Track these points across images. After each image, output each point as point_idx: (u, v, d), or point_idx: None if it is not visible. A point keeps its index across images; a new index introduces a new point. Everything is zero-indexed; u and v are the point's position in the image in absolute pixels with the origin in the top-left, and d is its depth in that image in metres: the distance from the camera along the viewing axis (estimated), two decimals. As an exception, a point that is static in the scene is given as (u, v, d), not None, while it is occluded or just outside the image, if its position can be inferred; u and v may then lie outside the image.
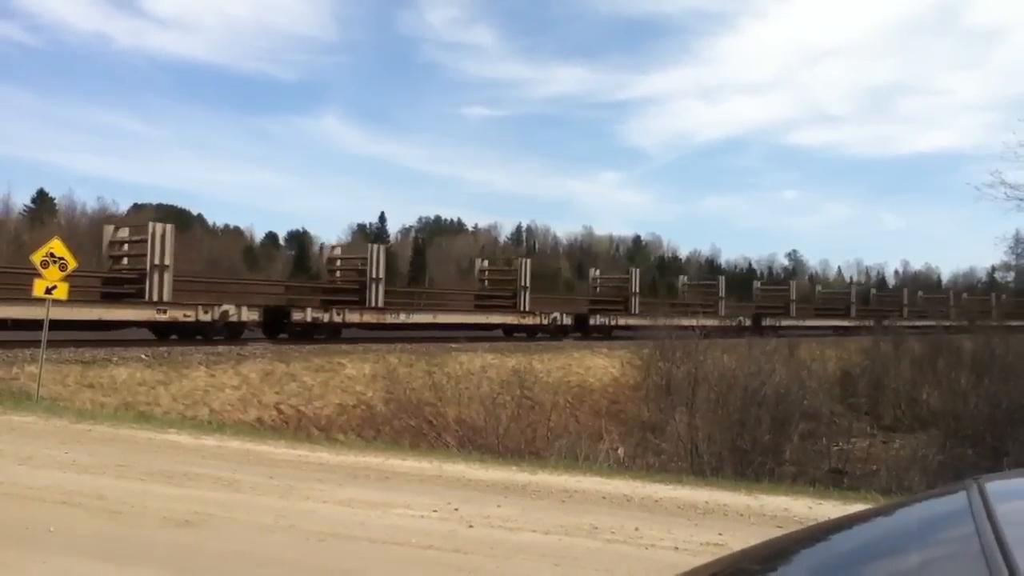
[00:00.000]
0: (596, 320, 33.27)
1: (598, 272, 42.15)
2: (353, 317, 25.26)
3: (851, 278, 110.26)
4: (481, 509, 7.12)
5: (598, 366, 26.85)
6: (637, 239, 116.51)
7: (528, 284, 31.05)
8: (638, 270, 39.08)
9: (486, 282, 33.47)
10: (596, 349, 28.35)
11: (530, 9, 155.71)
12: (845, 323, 43.91)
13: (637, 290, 36.07)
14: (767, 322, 39.12)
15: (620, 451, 17.87)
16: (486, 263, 36.43)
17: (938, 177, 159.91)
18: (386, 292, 26.74)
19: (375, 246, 28.18)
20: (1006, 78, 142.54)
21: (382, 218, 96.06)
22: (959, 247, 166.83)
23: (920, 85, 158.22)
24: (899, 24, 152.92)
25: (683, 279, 46.67)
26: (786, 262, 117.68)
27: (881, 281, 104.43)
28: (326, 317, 24.22)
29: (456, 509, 7.06)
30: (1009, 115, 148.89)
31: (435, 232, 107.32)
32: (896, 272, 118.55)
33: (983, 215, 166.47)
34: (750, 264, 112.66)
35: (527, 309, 30.73)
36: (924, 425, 25.59)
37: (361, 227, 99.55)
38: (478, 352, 24.32)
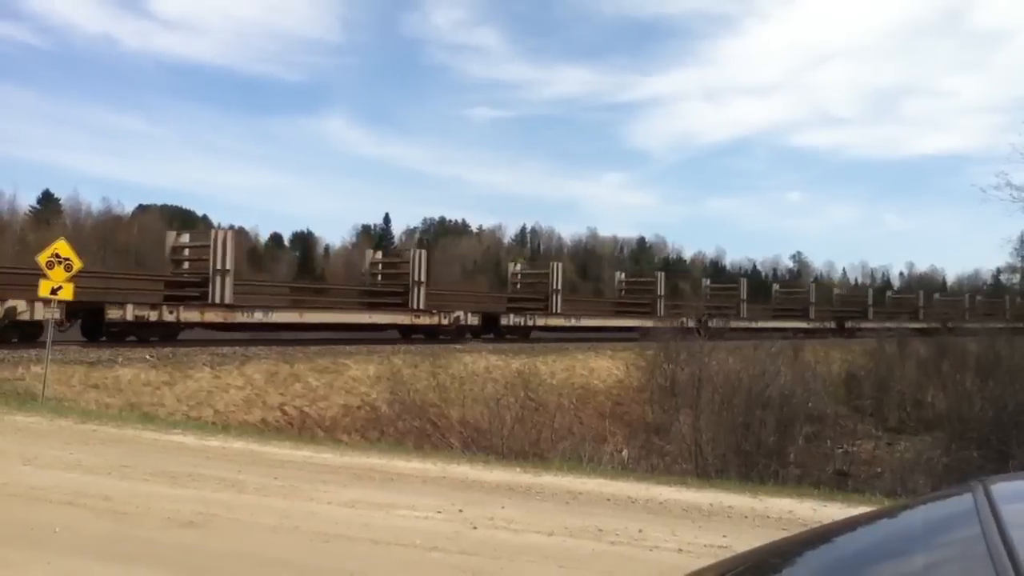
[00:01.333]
0: (510, 320, 29.22)
1: (518, 266, 38.17)
2: (192, 316, 21.52)
3: (856, 280, 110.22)
4: (485, 510, 7.12)
5: (602, 368, 26.83)
6: (642, 241, 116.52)
7: (423, 279, 27.08)
8: (559, 264, 36.20)
9: (379, 276, 29.05)
10: (600, 351, 28.31)
11: (535, 11, 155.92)
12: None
13: (559, 287, 32.52)
14: (712, 324, 38.78)
15: (624, 453, 17.87)
16: (379, 255, 31.63)
17: (943, 179, 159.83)
18: (236, 286, 22.93)
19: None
20: (1011, 80, 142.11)
21: (386, 219, 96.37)
22: (964, 249, 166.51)
23: (924, 87, 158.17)
24: (903, 26, 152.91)
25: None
26: (791, 264, 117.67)
27: (886, 283, 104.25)
28: (154, 315, 20.59)
29: (460, 510, 7.06)
30: (1014, 117, 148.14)
31: (439, 233, 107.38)
32: (901, 274, 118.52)
33: (988, 217, 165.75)
34: (755, 266, 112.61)
35: (421, 307, 26.62)
36: (929, 427, 25.53)
37: (366, 228, 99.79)
38: (482, 353, 24.32)
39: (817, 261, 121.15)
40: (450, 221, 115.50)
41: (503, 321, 29.06)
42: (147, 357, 18.01)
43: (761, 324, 38.16)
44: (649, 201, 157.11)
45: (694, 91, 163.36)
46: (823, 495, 9.33)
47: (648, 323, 31.16)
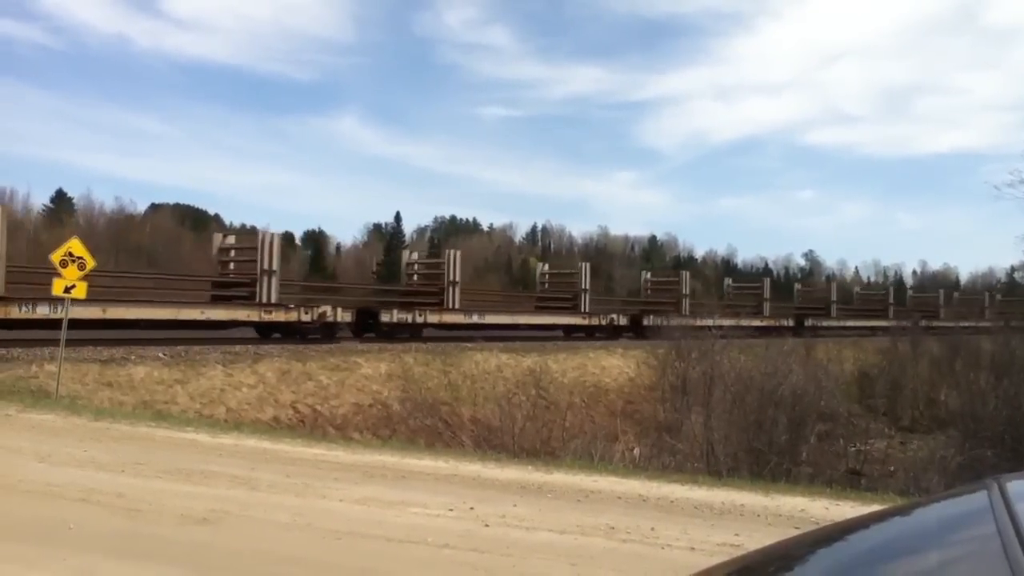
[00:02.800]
0: (393, 316, 25.57)
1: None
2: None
3: (868, 278, 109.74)
4: (497, 508, 7.12)
5: (613, 366, 26.80)
6: (653, 239, 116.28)
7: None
8: (457, 252, 30.03)
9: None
10: (611, 349, 28.29)
11: (546, 10, 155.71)
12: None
13: (456, 278, 29.58)
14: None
15: (636, 451, 17.86)
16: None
17: (956, 177, 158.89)
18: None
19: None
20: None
21: (398, 218, 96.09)
22: (977, 247, 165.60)
23: (937, 85, 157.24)
24: (916, 24, 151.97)
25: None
26: (803, 262, 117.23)
27: (899, 281, 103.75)
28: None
29: (472, 508, 7.07)
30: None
31: (450, 232, 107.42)
32: (914, 272, 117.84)
33: (1002, 215, 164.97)
34: (766, 264, 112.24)
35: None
36: (942, 426, 25.41)
37: (377, 227, 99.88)
38: (493, 351, 24.32)
39: (829, 259, 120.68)
40: (461, 220, 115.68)
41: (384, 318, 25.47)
42: (160, 355, 18.09)
43: (788, 323, 38.50)
44: (661, 199, 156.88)
45: (706, 90, 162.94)
46: (835, 494, 9.30)
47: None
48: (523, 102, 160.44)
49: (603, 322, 31.73)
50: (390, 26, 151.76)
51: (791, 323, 39.15)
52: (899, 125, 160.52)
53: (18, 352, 16.69)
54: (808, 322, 39.87)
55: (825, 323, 41.57)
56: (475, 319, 27.59)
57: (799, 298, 46.85)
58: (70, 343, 15.54)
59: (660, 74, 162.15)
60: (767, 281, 44.05)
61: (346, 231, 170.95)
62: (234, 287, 23.33)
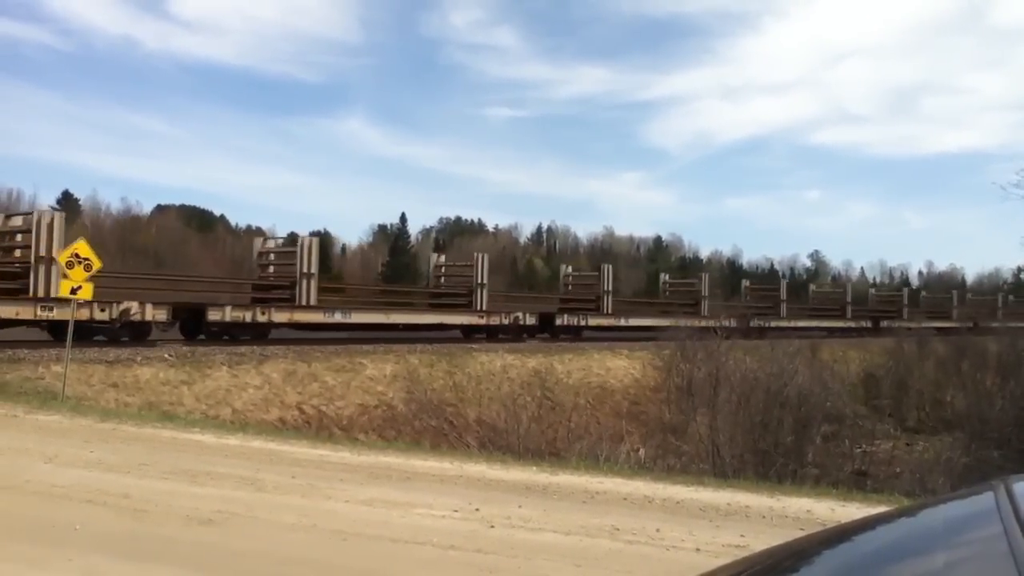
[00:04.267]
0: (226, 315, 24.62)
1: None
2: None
3: (875, 279, 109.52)
4: (502, 509, 7.12)
5: (619, 367, 26.79)
6: (658, 239, 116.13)
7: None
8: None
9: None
10: (617, 350, 28.28)
11: (552, 10, 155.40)
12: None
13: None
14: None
15: (641, 452, 17.84)
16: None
17: (963, 177, 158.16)
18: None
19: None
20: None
21: (403, 219, 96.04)
22: (984, 247, 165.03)
23: (944, 84, 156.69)
24: (923, 23, 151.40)
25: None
26: (808, 263, 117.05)
27: (905, 282, 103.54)
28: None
29: (477, 509, 7.07)
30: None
31: (455, 233, 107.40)
32: (920, 273, 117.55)
33: (1009, 215, 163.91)
34: (772, 265, 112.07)
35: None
36: (949, 427, 25.35)
37: (382, 227, 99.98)
38: (499, 352, 24.33)
39: (835, 260, 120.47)
40: (466, 220, 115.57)
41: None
42: (166, 356, 18.13)
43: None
44: (666, 200, 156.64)
45: (712, 89, 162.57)
46: (841, 495, 9.28)
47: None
48: (529, 103, 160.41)
49: (505, 321, 28.14)
50: (396, 27, 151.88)
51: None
52: (906, 125, 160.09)
53: (24, 353, 16.74)
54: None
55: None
56: (337, 318, 24.31)
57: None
58: (75, 344, 15.59)
59: (666, 74, 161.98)
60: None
61: (352, 232, 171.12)
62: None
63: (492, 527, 6.55)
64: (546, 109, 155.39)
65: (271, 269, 25.27)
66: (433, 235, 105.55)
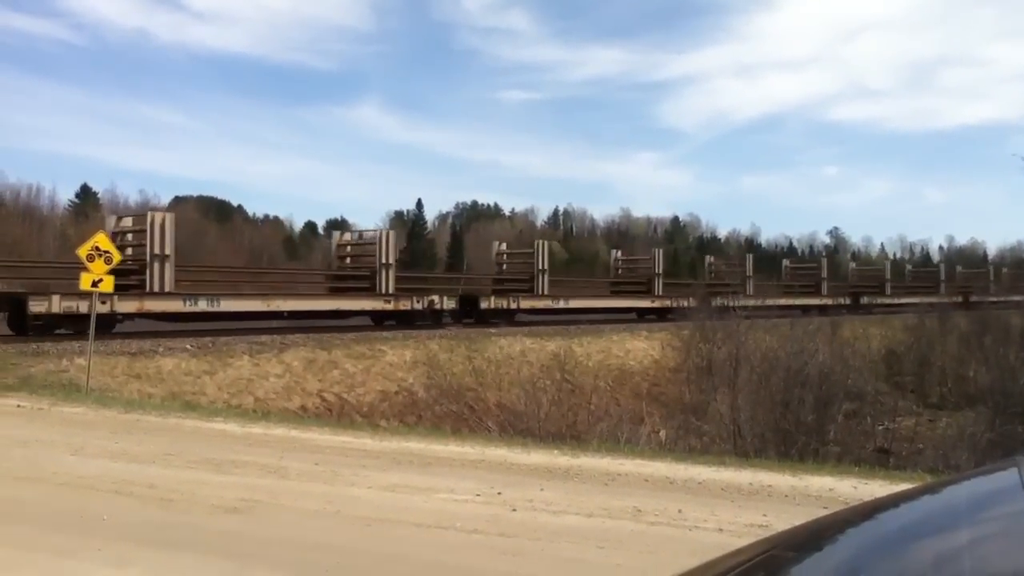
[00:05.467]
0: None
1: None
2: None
3: (894, 254, 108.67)
4: (524, 493, 7.14)
5: (638, 349, 26.77)
6: (675, 220, 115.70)
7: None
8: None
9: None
10: (636, 331, 28.23)
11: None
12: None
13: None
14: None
15: (662, 434, 17.84)
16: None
17: (983, 149, 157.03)
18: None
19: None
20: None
21: (419, 204, 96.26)
22: (1005, 221, 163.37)
23: (963, 56, 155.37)
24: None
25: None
26: (827, 240, 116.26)
27: (925, 257, 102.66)
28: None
29: (499, 493, 7.10)
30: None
31: (472, 218, 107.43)
32: (941, 247, 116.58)
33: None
34: (791, 242, 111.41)
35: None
36: (972, 403, 25.16)
37: (398, 214, 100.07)
38: (517, 336, 24.36)
39: (854, 236, 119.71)
40: (482, 205, 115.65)
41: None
42: (187, 347, 18.27)
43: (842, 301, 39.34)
44: (683, 180, 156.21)
45: (727, 67, 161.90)
46: (864, 472, 9.24)
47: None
48: (543, 85, 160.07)
49: (419, 305, 25.71)
50: (409, 13, 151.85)
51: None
52: (924, 98, 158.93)
53: (48, 347, 16.92)
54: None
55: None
56: (202, 306, 21.33)
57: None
58: (98, 336, 15.73)
59: (680, 53, 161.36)
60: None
61: (368, 219, 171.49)
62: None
63: (514, 510, 6.57)
64: (561, 91, 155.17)
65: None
66: (450, 220, 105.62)
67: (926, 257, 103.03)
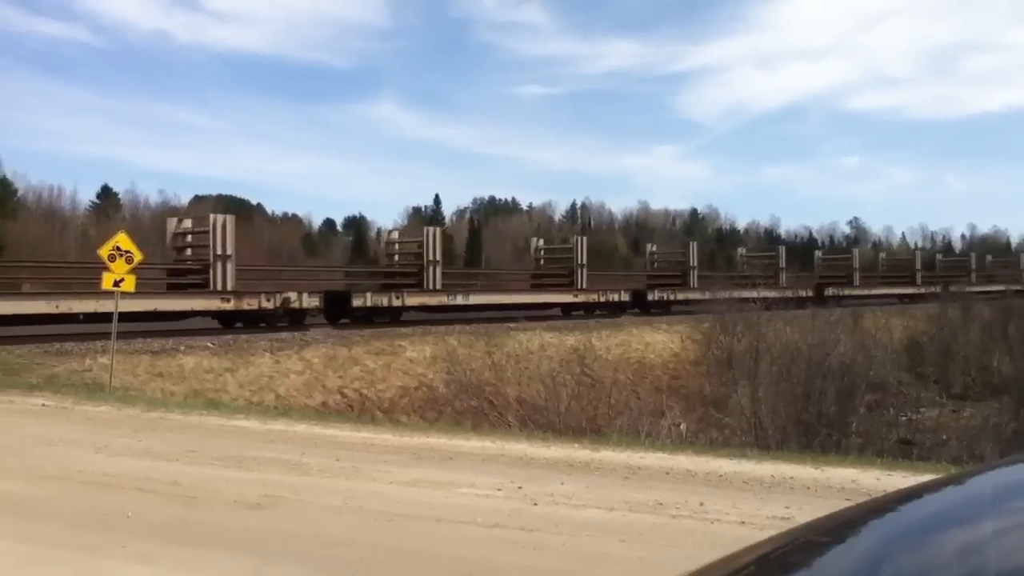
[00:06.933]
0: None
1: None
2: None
3: (916, 244, 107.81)
4: (545, 487, 7.15)
5: (658, 342, 26.70)
6: (694, 212, 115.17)
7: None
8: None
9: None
10: (655, 325, 28.16)
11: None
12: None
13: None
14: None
15: (682, 427, 17.79)
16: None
17: (1005, 136, 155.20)
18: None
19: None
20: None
21: (437, 200, 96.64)
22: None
23: (985, 42, 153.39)
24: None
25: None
26: (848, 230, 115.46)
27: (947, 246, 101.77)
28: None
29: (520, 487, 7.10)
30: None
31: (490, 213, 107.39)
32: (963, 236, 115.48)
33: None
34: (811, 233, 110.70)
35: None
36: (996, 393, 24.95)
37: (416, 210, 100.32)
38: (536, 331, 24.35)
39: (875, 226, 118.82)
40: (500, 200, 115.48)
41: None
42: (209, 345, 18.39)
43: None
44: (702, 172, 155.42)
45: (746, 58, 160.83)
46: (887, 464, 9.19)
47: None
48: (561, 79, 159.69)
49: (269, 304, 21.98)
50: (425, 9, 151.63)
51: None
52: (946, 86, 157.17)
53: (71, 346, 17.08)
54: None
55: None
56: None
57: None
58: (120, 336, 15.86)
59: (698, 45, 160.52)
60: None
61: (386, 215, 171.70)
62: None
63: (535, 505, 6.58)
64: (578, 85, 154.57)
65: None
66: (468, 215, 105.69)
67: (948, 246, 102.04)
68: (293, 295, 22.68)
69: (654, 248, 40.54)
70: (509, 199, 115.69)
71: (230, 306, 21.62)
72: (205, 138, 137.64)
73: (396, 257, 28.85)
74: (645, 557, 5.29)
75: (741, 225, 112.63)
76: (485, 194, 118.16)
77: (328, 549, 5.46)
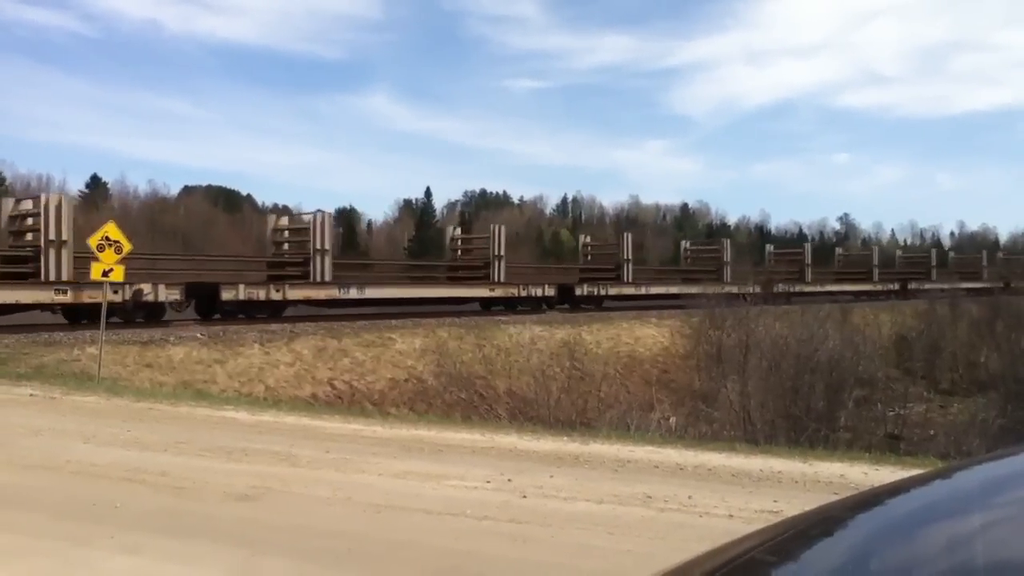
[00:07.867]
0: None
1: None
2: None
3: (905, 240, 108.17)
4: (534, 480, 7.16)
5: (648, 336, 26.72)
6: (684, 207, 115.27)
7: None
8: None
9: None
10: (645, 319, 28.18)
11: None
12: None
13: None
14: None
15: (672, 420, 17.84)
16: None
17: (995, 135, 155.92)
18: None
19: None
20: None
21: (428, 193, 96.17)
22: (1018, 206, 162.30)
23: (974, 42, 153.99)
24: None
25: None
26: (838, 226, 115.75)
27: (937, 243, 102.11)
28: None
29: (509, 480, 7.11)
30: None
31: (481, 206, 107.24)
32: (952, 234, 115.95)
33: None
34: (800, 229, 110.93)
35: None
36: (983, 389, 25.12)
37: (407, 203, 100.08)
38: (527, 324, 24.35)
39: (865, 223, 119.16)
40: (491, 193, 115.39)
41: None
42: (198, 336, 18.34)
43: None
44: (693, 167, 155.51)
45: (737, 54, 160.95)
46: (875, 459, 9.23)
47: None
48: (552, 73, 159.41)
49: (117, 296, 18.67)
50: (418, 1, 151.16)
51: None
52: (935, 84, 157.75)
53: (60, 336, 17.01)
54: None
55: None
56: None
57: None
58: (109, 326, 15.80)
59: (689, 40, 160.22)
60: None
61: (377, 208, 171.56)
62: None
63: (525, 497, 6.59)
64: (570, 79, 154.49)
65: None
66: (458, 209, 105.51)
67: (937, 243, 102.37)
68: (147, 287, 19.79)
69: (588, 239, 38.48)
70: (500, 192, 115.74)
71: (66, 299, 18.84)
72: (195, 128, 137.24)
73: (285, 246, 25.82)
74: (633, 550, 5.30)
75: (732, 220, 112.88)
76: (476, 187, 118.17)
77: (317, 540, 5.46)
